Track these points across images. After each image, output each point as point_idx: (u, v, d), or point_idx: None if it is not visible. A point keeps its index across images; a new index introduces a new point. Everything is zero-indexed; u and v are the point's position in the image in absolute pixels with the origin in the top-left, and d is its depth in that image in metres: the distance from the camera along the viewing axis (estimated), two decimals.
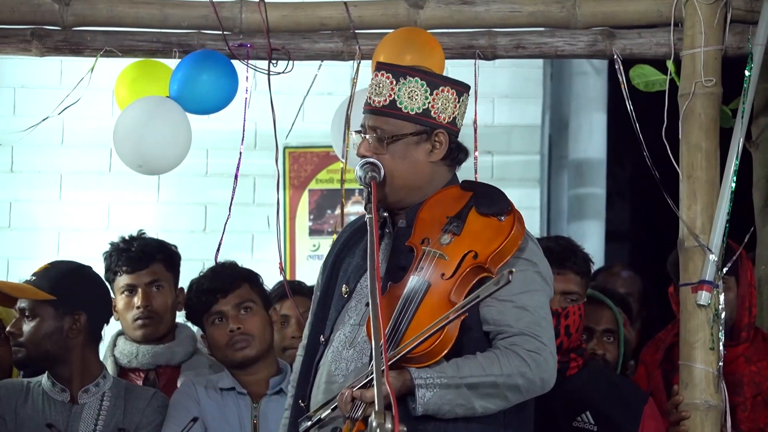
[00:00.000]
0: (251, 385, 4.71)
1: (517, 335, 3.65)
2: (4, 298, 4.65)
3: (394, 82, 3.80)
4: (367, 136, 3.82)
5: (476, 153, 4.69)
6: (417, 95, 3.80)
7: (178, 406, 4.64)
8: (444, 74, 4.04)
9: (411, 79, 3.80)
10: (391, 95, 3.80)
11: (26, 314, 4.57)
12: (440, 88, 3.81)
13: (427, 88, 3.80)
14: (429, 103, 3.81)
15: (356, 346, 3.74)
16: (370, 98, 3.84)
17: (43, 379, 4.64)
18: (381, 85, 3.82)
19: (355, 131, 3.89)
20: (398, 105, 3.79)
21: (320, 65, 4.97)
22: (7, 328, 4.62)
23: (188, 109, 4.97)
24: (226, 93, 4.94)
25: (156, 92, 4.97)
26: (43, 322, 4.57)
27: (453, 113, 3.84)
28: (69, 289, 4.63)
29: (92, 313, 4.67)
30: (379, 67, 3.85)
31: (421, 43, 4.75)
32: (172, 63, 5.01)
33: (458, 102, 3.85)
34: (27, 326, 4.57)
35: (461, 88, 3.86)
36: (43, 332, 4.57)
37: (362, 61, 4.91)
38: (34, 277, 4.63)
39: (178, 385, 4.89)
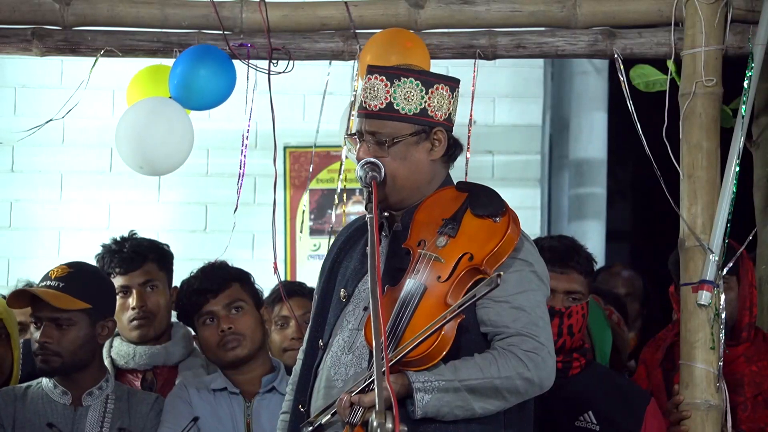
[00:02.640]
0: (244, 384, 4.72)
1: (515, 336, 3.65)
2: (20, 301, 4.63)
3: (389, 85, 3.80)
4: (366, 140, 3.82)
5: (468, 153, 4.68)
6: (413, 96, 3.80)
7: (171, 409, 4.65)
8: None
9: (405, 80, 3.80)
10: (387, 98, 3.79)
11: (60, 324, 4.53)
12: (435, 86, 3.81)
13: (422, 88, 3.80)
14: (425, 102, 3.81)
15: (355, 350, 3.74)
16: (365, 102, 3.83)
17: (44, 381, 4.64)
18: (375, 88, 3.81)
19: (350, 135, 3.90)
20: (395, 107, 3.79)
21: (330, 65, 4.97)
22: (38, 338, 4.54)
23: (188, 105, 4.96)
24: (224, 87, 4.92)
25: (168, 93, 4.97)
26: (80, 330, 4.56)
27: (448, 110, 3.85)
28: (100, 295, 4.64)
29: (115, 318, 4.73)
30: (371, 70, 3.84)
31: (403, 45, 4.74)
32: None
33: (452, 98, 3.85)
34: (62, 336, 4.54)
35: (453, 84, 3.87)
36: (80, 341, 4.56)
37: None
38: (61, 283, 4.56)
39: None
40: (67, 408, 4.59)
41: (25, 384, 4.70)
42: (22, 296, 4.60)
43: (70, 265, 4.70)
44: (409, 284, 3.67)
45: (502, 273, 3.55)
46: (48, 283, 4.59)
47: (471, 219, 3.77)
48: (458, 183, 3.90)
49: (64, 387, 4.60)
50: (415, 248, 3.75)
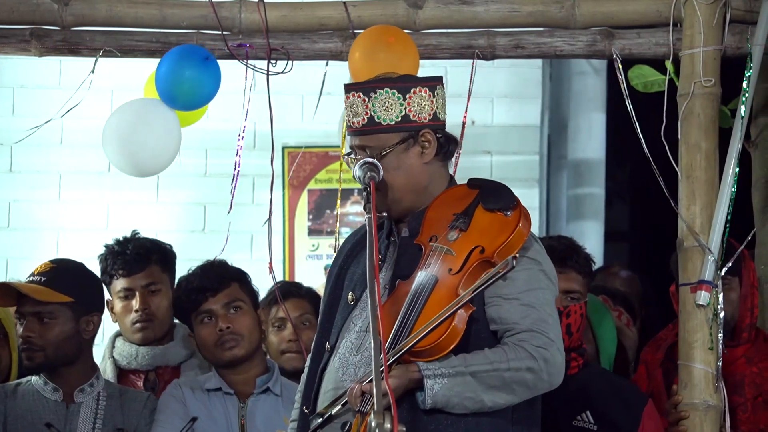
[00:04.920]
0: (239, 384, 4.73)
1: (525, 332, 3.68)
2: (6, 298, 4.64)
3: (366, 99, 3.83)
4: (359, 156, 3.85)
5: (459, 151, 4.67)
6: (391, 105, 3.82)
7: (165, 408, 4.65)
8: (441, 74, 4.04)
9: (381, 91, 3.82)
10: (367, 112, 3.83)
11: (42, 317, 4.55)
12: (412, 90, 3.84)
13: (399, 95, 3.83)
14: (405, 108, 3.83)
15: (363, 351, 3.75)
16: (349, 120, 3.87)
17: (34, 378, 4.64)
18: (355, 105, 3.84)
19: (346, 154, 3.93)
20: (376, 120, 3.82)
21: (327, 64, 4.97)
22: (22, 332, 4.57)
23: (175, 105, 4.92)
24: (209, 86, 4.87)
25: None
26: (63, 324, 4.57)
27: (432, 109, 3.86)
28: (84, 290, 4.65)
29: (101, 314, 4.71)
30: (348, 88, 3.88)
31: (386, 42, 4.73)
32: None
33: (434, 97, 3.87)
34: (45, 329, 4.55)
35: (433, 83, 3.89)
36: (64, 335, 4.57)
37: None
38: (43, 278, 4.59)
39: None
40: (59, 404, 4.59)
41: (14, 381, 4.71)
42: (8, 293, 4.62)
43: (54, 261, 4.75)
44: (421, 276, 3.70)
45: (517, 255, 3.58)
46: (31, 278, 4.63)
47: (482, 213, 3.80)
48: (470, 180, 3.93)
49: (54, 384, 4.60)
50: (426, 243, 3.78)
